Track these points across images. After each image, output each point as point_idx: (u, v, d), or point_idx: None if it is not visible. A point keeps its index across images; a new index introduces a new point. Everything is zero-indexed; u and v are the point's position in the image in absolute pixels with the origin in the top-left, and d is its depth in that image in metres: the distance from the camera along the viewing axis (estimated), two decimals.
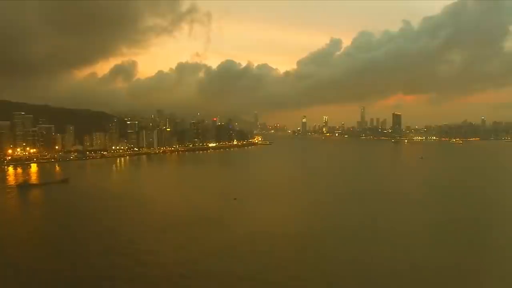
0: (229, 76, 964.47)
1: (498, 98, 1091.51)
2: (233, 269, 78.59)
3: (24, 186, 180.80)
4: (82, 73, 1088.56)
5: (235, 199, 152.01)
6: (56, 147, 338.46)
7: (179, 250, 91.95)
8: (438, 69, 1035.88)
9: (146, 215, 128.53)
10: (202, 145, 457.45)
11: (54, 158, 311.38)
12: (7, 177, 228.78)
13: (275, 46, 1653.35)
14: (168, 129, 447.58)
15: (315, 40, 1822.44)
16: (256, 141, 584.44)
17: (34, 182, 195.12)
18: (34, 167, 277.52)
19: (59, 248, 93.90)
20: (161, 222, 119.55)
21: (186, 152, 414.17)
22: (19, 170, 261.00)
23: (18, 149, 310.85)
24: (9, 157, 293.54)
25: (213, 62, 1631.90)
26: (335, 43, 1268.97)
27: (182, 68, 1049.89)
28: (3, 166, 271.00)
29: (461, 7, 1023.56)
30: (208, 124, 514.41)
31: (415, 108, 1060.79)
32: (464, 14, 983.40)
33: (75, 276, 75.52)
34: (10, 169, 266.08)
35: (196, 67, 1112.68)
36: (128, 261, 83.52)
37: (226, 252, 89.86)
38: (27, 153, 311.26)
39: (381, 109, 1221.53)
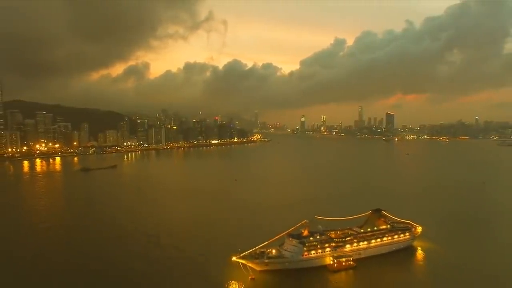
0: (235, 76, 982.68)
1: (495, 98, 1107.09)
2: (230, 217, 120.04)
3: (85, 169, 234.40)
4: (98, 75, 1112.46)
5: (235, 180, 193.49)
6: (74, 143, 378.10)
7: (194, 209, 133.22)
8: (439, 69, 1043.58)
9: (172, 189, 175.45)
10: (206, 142, 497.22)
11: (75, 153, 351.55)
12: (53, 166, 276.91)
13: (280, 46, 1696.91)
14: (174, 127, 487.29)
15: (319, 40, 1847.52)
16: (256, 139, 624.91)
17: (92, 167, 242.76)
18: (58, 160, 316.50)
19: (125, 204, 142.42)
20: (182, 193, 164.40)
21: (191, 148, 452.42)
22: (44, 162, 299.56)
23: (43, 144, 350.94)
24: (38, 151, 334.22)
25: (220, 62, 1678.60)
26: (339, 43, 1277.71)
27: (189, 68, 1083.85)
28: (33, 159, 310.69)
29: (464, 8, 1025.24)
30: (210, 123, 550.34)
31: (414, 107, 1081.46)
32: (467, 15, 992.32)
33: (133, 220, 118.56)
34: (38, 161, 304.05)
35: (203, 67, 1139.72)
36: (165, 215, 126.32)
37: (226, 210, 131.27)
38: (50, 148, 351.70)
39: (380, 108, 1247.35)
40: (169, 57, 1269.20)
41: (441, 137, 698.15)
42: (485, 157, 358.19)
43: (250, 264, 72.85)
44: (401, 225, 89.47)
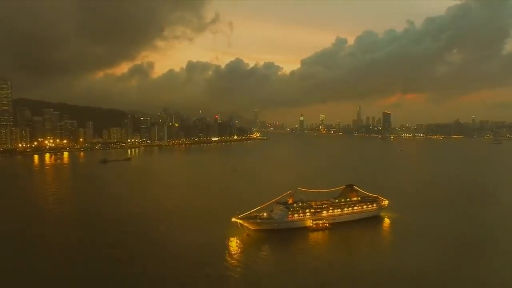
0: (237, 75, 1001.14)
1: (494, 98, 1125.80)
2: (230, 196, 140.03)
3: (103, 161, 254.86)
4: (102, 74, 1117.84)
5: (235, 170, 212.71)
6: (81, 140, 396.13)
7: (201, 191, 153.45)
8: (438, 69, 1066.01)
9: (181, 176, 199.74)
10: (206, 139, 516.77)
11: (82, 148, 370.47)
12: (66, 160, 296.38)
13: (282, 46, 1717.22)
14: (176, 125, 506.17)
15: (321, 40, 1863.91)
16: (255, 136, 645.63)
17: (109, 159, 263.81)
18: (66, 155, 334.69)
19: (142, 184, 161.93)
20: (190, 179, 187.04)
21: (192, 145, 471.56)
22: (54, 156, 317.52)
23: (51, 140, 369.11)
24: (48, 147, 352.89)
25: (223, 62, 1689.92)
26: (340, 43, 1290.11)
27: (192, 67, 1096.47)
28: (43, 154, 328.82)
29: (465, 9, 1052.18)
30: (210, 121, 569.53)
31: (413, 107, 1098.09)
32: (467, 16, 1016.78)
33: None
34: (47, 156, 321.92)
35: (205, 66, 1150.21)
36: (179, 195, 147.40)
37: (226, 191, 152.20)
38: (58, 144, 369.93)
39: (379, 107, 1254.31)
40: (173, 57, 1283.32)
41: (436, 135, 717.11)
42: (472, 153, 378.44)
43: (246, 224, 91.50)
44: (370, 198, 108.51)
